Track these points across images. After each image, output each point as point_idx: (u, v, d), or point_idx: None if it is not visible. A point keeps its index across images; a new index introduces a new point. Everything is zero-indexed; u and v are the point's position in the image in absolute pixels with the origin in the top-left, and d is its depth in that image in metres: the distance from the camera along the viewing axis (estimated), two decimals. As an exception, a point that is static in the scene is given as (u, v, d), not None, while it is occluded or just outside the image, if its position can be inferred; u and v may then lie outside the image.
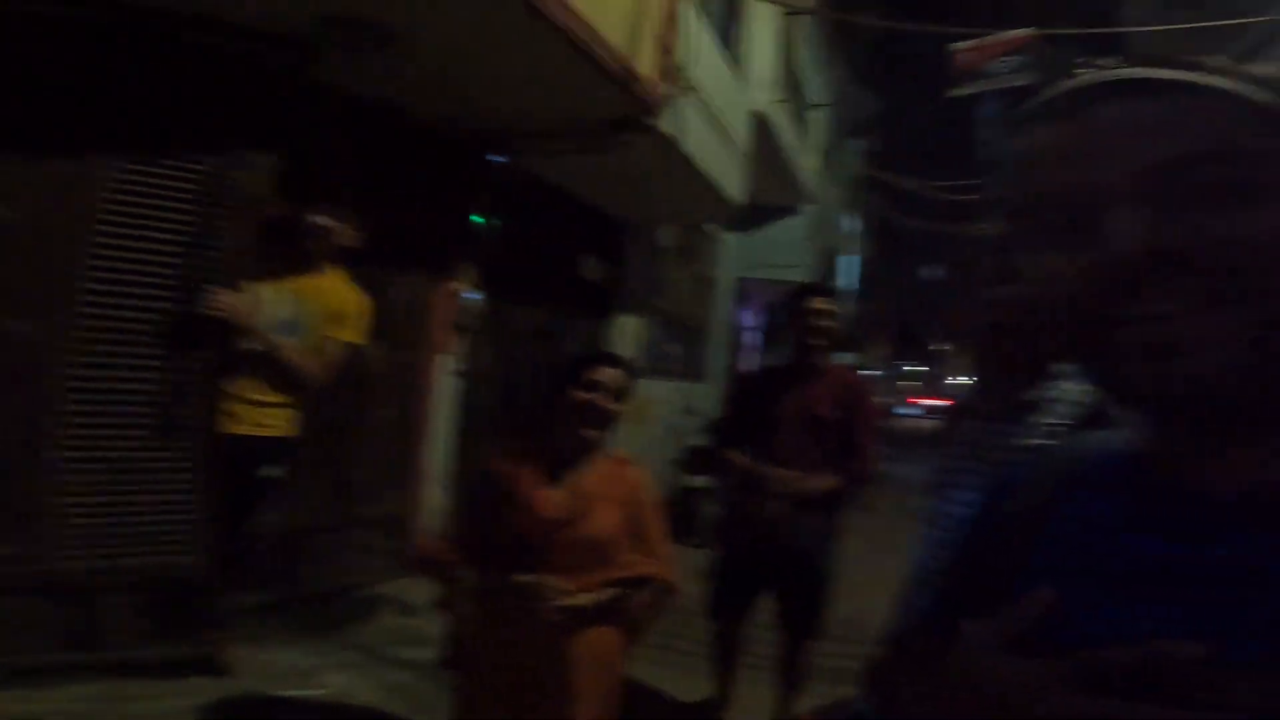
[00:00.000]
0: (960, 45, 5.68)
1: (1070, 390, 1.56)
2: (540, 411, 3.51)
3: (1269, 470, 0.44)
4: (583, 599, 1.55)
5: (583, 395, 1.68)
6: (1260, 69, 0.45)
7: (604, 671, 1.65)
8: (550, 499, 1.64)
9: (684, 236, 7.16)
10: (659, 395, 6.26)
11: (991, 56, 5.53)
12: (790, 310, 2.74)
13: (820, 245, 11.76)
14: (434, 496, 4.12)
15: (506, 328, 4.80)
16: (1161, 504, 0.48)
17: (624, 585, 1.64)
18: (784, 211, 9.69)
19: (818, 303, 2.64)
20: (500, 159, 4.12)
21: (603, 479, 1.70)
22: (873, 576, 5.20)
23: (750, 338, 11.88)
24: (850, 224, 15.59)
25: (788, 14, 6.40)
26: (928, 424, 41.57)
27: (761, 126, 6.69)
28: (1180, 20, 6.47)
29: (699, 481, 5.87)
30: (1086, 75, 0.47)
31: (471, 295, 4.22)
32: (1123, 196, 0.42)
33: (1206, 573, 0.43)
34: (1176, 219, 0.41)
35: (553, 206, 4.97)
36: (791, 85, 8.29)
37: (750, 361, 11.14)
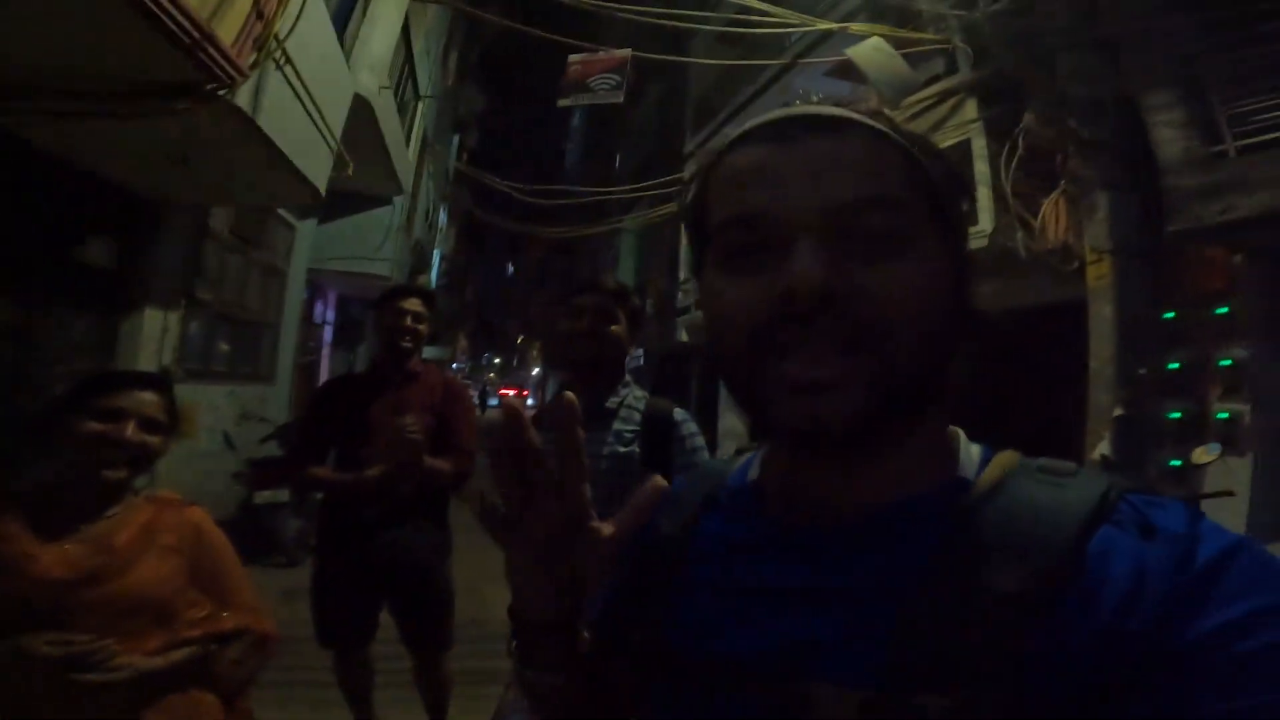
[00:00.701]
0: (576, 57, 5.98)
1: (639, 397, 1.68)
2: (25, 443, 3.04)
3: (872, 499, 0.48)
4: (142, 663, 1.34)
5: (96, 427, 1.39)
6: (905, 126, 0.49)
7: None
8: (61, 556, 1.37)
9: (246, 221, 6.32)
10: (208, 401, 5.68)
11: (595, 72, 5.94)
12: (381, 311, 2.54)
13: (410, 238, 11.30)
14: None
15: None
16: (781, 529, 0.52)
17: (205, 642, 1.46)
18: (374, 201, 8.99)
19: (410, 304, 2.50)
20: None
21: (142, 527, 1.46)
22: (489, 574, 5.27)
23: (326, 334, 10.77)
24: (441, 217, 15.41)
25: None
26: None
27: (363, 111, 6.28)
28: (730, 55, 8.06)
29: (270, 496, 5.48)
30: (779, 110, 0.50)
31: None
32: (804, 230, 0.44)
33: (818, 590, 0.47)
34: (841, 261, 0.44)
35: (45, 180, 3.93)
36: (404, 73, 7.91)
37: (323, 359, 10.22)
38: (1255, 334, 4.78)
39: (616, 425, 1.68)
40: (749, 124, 0.51)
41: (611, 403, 1.70)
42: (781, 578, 0.50)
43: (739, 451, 0.67)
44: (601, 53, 5.85)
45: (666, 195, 10.22)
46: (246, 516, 5.31)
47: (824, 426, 0.44)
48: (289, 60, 3.68)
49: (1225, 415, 4.89)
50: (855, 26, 5.44)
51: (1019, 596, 0.40)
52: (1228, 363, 4.89)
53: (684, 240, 11.05)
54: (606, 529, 0.55)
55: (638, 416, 1.69)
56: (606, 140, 24.55)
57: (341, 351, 11.79)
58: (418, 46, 8.65)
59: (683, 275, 13.68)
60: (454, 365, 36.20)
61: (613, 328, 1.71)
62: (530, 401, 50.91)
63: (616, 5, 4.98)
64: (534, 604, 0.56)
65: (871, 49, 5.15)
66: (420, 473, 2.29)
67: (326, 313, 10.94)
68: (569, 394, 0.54)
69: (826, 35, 6.68)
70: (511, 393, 50.44)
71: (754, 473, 0.59)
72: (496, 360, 64.20)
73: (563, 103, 6.00)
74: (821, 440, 0.45)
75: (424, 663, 2.59)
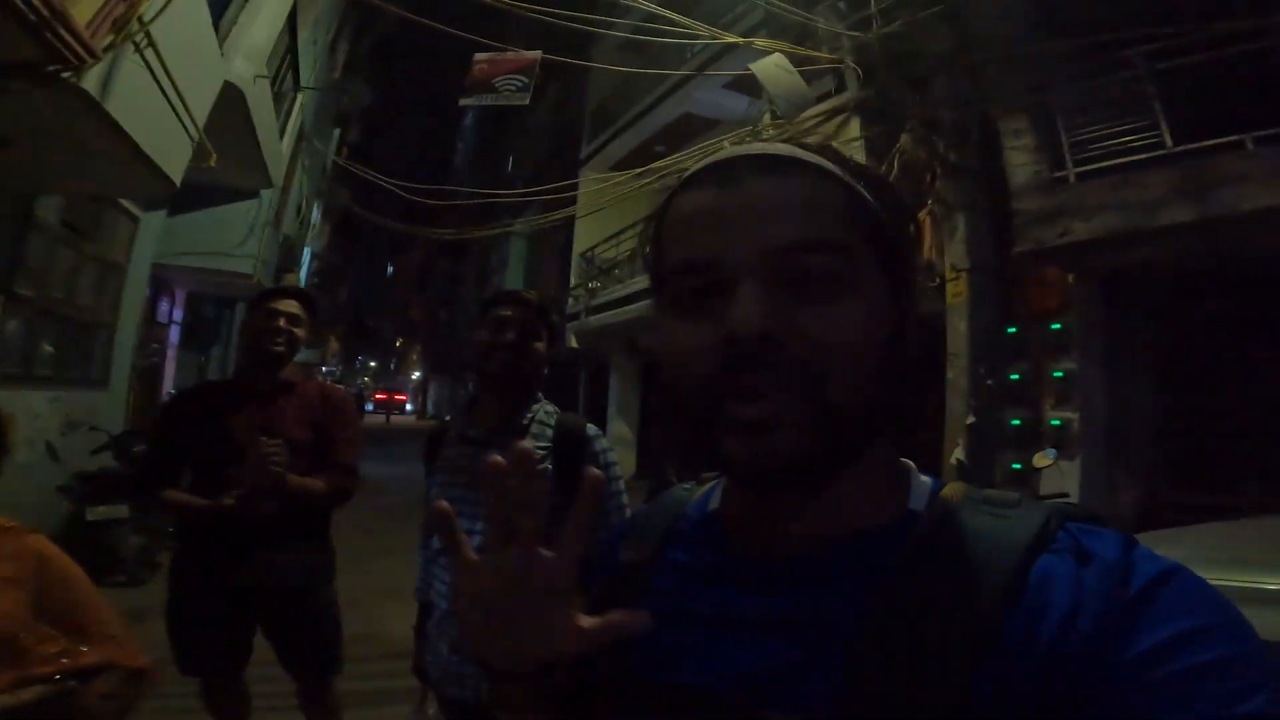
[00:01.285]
0: (482, 56, 5.78)
1: (550, 413, 1.67)
2: None
3: (826, 531, 0.49)
4: None
5: None
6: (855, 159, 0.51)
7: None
8: None
9: (81, 211, 5.70)
10: (28, 408, 5.19)
11: (501, 72, 5.79)
12: (251, 313, 2.31)
13: (279, 234, 10.53)
14: None
15: None
16: (735, 560, 0.53)
17: (62, 678, 1.33)
18: (239, 194, 8.30)
19: (285, 305, 2.26)
20: None
21: None
22: (373, 588, 4.99)
23: (172, 334, 9.83)
24: (315, 214, 14.47)
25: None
26: (401, 419, 42.49)
27: (234, 100, 5.82)
28: (632, 64, 8.13)
29: (107, 511, 5.09)
30: (726, 150, 0.51)
31: None
32: (747, 274, 0.45)
33: (774, 621, 0.47)
34: (782, 304, 0.44)
35: None
36: (285, 62, 7.53)
37: (168, 361, 9.37)
38: (1083, 349, 5.40)
39: (526, 442, 1.58)
40: (697, 165, 0.52)
41: (525, 419, 1.64)
42: (739, 608, 0.50)
43: (700, 480, 0.66)
44: (509, 53, 5.69)
45: (560, 200, 10.14)
46: (78, 533, 4.87)
47: (764, 465, 0.45)
48: (152, 43, 3.36)
49: (1058, 422, 5.50)
50: (760, 42, 5.67)
51: (966, 627, 0.41)
52: (1060, 375, 5.50)
53: (575, 246, 10.99)
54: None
55: (549, 433, 1.64)
56: (499, 142, 24.13)
57: (190, 354, 10.80)
58: (303, 35, 8.20)
59: (573, 281, 13.65)
60: (324, 369, 34.36)
61: (534, 343, 1.63)
62: (409, 407, 49.07)
63: (524, 5, 4.87)
64: (491, 654, 0.51)
65: (773, 64, 5.36)
66: (285, 497, 2.10)
67: (174, 312, 9.96)
68: (526, 446, 0.48)
69: (728, 49, 6.90)
70: (388, 397, 48.28)
71: (715, 502, 0.60)
72: (372, 364, 61.42)
73: (465, 102, 5.78)
74: (763, 478, 0.46)
75: (309, 687, 2.41)
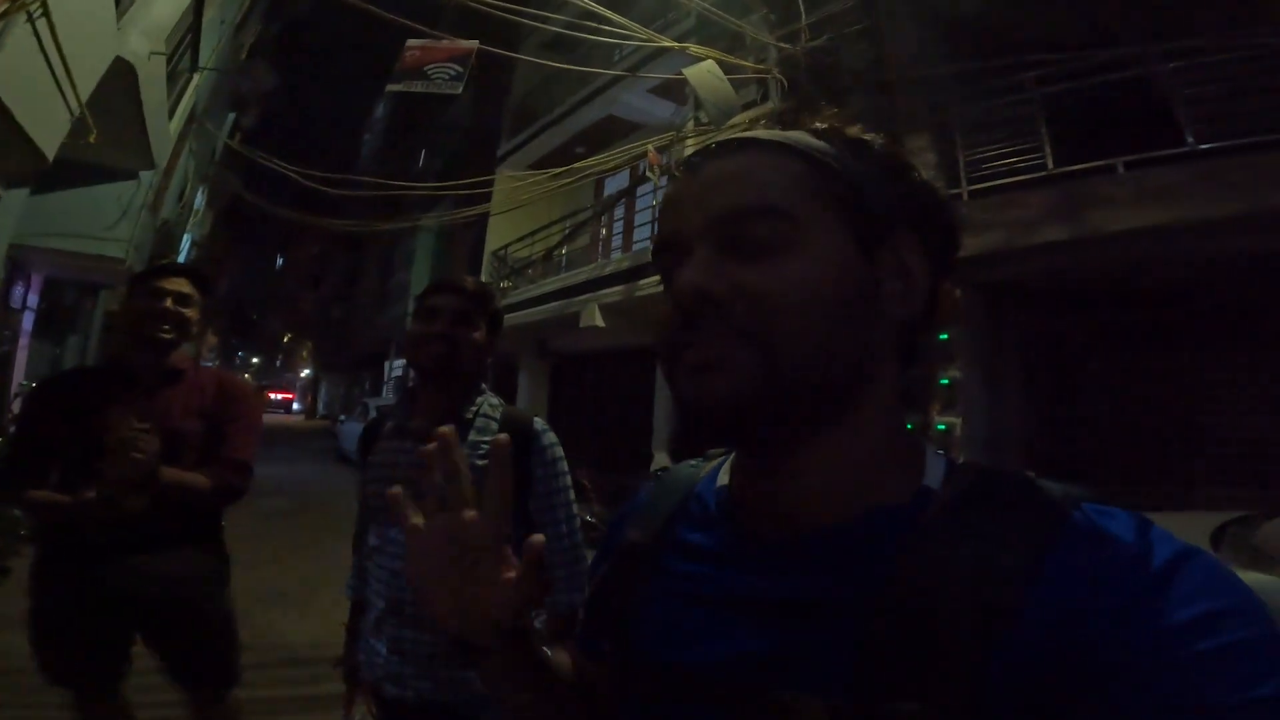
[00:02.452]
0: (415, 42, 5.53)
1: (495, 406, 1.63)
2: None
3: (836, 508, 0.50)
4: None
5: None
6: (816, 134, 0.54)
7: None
8: None
9: None
10: None
11: (435, 60, 5.59)
12: (131, 293, 2.09)
13: (157, 218, 9.67)
14: None
15: None
16: (746, 539, 0.53)
17: None
18: (116, 174, 7.58)
19: (173, 283, 2.04)
20: None
21: None
22: (259, 596, 4.66)
23: (25, 321, 8.86)
24: (198, 199, 13.38)
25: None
26: (289, 419, 39.72)
27: (124, 76, 5.36)
28: (558, 60, 8.04)
29: None
30: (715, 137, 0.59)
31: None
32: (696, 243, 0.50)
33: (787, 601, 0.48)
34: (723, 265, 0.48)
35: None
36: (186, 41, 7.04)
37: (20, 350, 8.61)
38: (966, 358, 5.83)
39: (473, 436, 1.55)
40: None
41: (469, 412, 1.58)
42: (750, 588, 0.50)
43: (707, 456, 0.67)
44: (445, 41, 5.50)
45: (474, 196, 9.90)
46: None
47: (709, 404, 0.47)
48: (46, 12, 3.09)
49: (943, 427, 5.94)
50: (694, 48, 5.77)
51: (983, 606, 0.41)
52: (945, 382, 5.94)
53: (488, 244, 10.69)
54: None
55: (494, 426, 1.59)
56: (411, 136, 23.19)
57: (45, 344, 9.77)
58: (210, 14, 7.69)
59: (484, 279, 13.33)
60: (200, 364, 31.72)
61: (471, 332, 1.56)
62: (296, 406, 46.12)
63: None
64: (450, 622, 0.56)
65: (706, 71, 5.47)
66: (157, 491, 1.89)
67: (28, 297, 8.95)
68: (503, 437, 0.56)
69: (658, 53, 6.96)
70: (275, 396, 45.30)
71: (723, 478, 0.60)
72: (254, 360, 57.31)
73: (393, 88, 5.53)
74: (709, 420, 0.48)
75: (202, 702, 2.23)
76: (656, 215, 0.58)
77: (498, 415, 1.62)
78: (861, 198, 0.50)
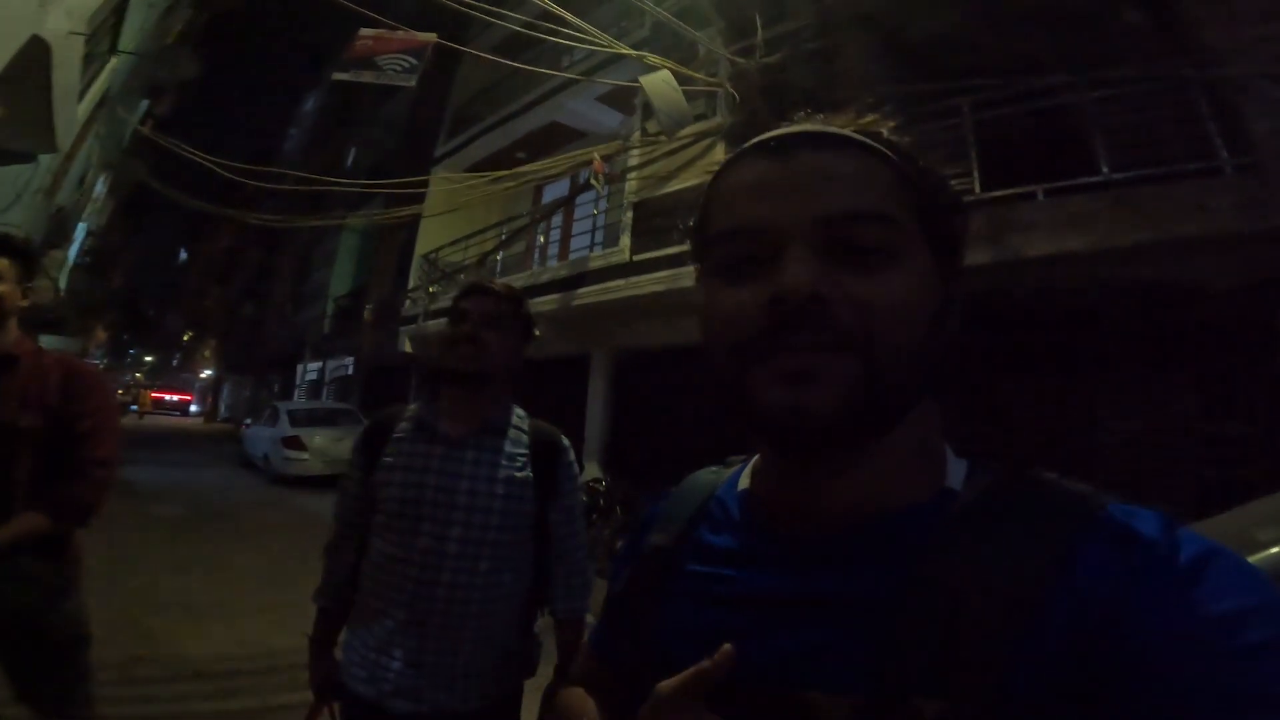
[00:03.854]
0: (369, 31, 5.30)
1: (522, 417, 1.61)
2: None
3: (863, 507, 0.50)
4: None
5: None
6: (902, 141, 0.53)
7: None
8: None
9: None
10: None
11: (388, 50, 5.39)
12: None
13: (52, 204, 8.89)
14: None
15: None
16: (769, 540, 0.54)
17: None
18: (10, 155, 6.95)
19: None
20: None
21: None
22: (152, 604, 4.27)
23: None
24: (99, 186, 12.41)
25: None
26: (187, 422, 37.15)
27: (38, 54, 5.02)
28: (518, 59, 7.92)
29: None
30: (780, 129, 0.53)
31: None
32: (796, 240, 0.47)
33: (811, 600, 0.48)
34: (830, 269, 0.46)
35: None
36: (109, 22, 6.66)
37: None
38: None
39: (507, 447, 1.53)
40: (751, 141, 0.54)
41: (502, 421, 1.56)
42: (772, 587, 0.51)
43: (727, 462, 0.67)
44: (400, 31, 5.31)
45: (407, 196, 9.60)
46: None
47: (805, 417, 0.45)
48: None
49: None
50: (651, 57, 5.80)
51: (1007, 604, 0.42)
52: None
53: (418, 247, 10.38)
54: None
55: (525, 439, 1.57)
56: (341, 133, 22.30)
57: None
58: None
59: (412, 283, 12.94)
60: (90, 361, 29.54)
61: (500, 336, 1.53)
62: (194, 408, 43.00)
63: None
64: None
65: (661, 80, 5.52)
66: None
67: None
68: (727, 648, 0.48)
69: (610, 60, 6.95)
70: (171, 397, 42.15)
71: (744, 482, 0.60)
72: (148, 358, 53.25)
73: (340, 76, 5.29)
74: (802, 433, 0.46)
75: None
76: (725, 192, 0.53)
77: (525, 427, 1.60)
78: (931, 213, 0.51)
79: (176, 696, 3.19)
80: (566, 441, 1.64)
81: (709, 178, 0.56)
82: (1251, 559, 2.58)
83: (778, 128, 0.53)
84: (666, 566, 0.59)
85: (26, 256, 1.89)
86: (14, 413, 1.75)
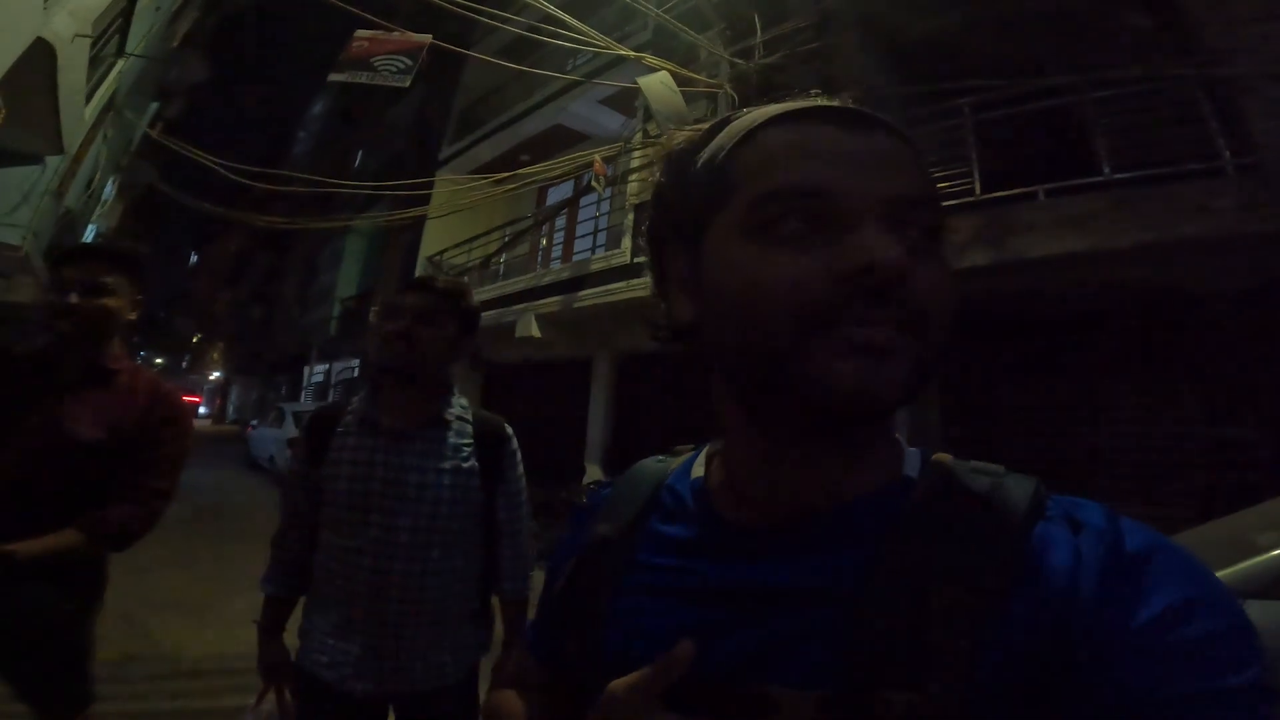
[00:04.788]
0: (364, 33, 5.34)
1: (465, 407, 1.65)
2: None
3: (831, 495, 0.49)
4: None
5: None
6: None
7: None
8: None
9: None
10: None
11: (383, 51, 5.42)
12: (49, 282, 1.83)
13: (60, 206, 8.99)
14: None
15: None
16: (727, 531, 0.52)
17: None
18: (18, 157, 7.04)
19: (81, 270, 1.75)
20: None
21: None
22: (151, 602, 4.30)
23: None
24: (108, 189, 12.54)
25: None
26: (195, 423, 37.66)
27: (43, 57, 5.09)
28: (522, 62, 7.97)
29: None
30: (823, 100, 0.51)
31: None
32: (871, 214, 0.45)
33: (771, 592, 0.47)
34: (906, 248, 0.45)
35: None
36: (115, 25, 6.78)
37: None
38: None
39: (451, 438, 1.57)
40: (795, 105, 0.51)
41: (448, 413, 1.59)
42: (732, 579, 0.49)
43: (674, 451, 0.65)
44: (396, 33, 5.34)
45: (412, 198, 9.66)
46: None
47: (877, 391, 0.43)
48: None
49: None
50: (649, 59, 5.84)
51: (973, 592, 0.42)
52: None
53: (423, 249, 10.37)
54: None
55: (469, 429, 1.61)
56: (348, 136, 22.49)
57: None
58: (144, 1, 7.20)
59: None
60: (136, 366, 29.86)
61: (435, 331, 1.55)
62: (203, 410, 43.44)
63: None
64: None
65: (659, 81, 5.53)
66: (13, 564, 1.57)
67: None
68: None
69: (612, 63, 6.96)
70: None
71: (698, 471, 0.58)
72: (159, 360, 53.91)
73: (336, 77, 5.32)
74: (868, 408, 0.44)
75: None
76: (784, 147, 0.49)
77: (469, 417, 1.64)
78: (944, 214, 0.51)
79: (170, 694, 3.22)
80: (510, 430, 1.68)
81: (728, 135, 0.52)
82: (1251, 563, 2.57)
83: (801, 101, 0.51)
84: (615, 559, 0.57)
85: (135, 270, 1.86)
86: (85, 427, 1.71)
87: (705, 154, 0.52)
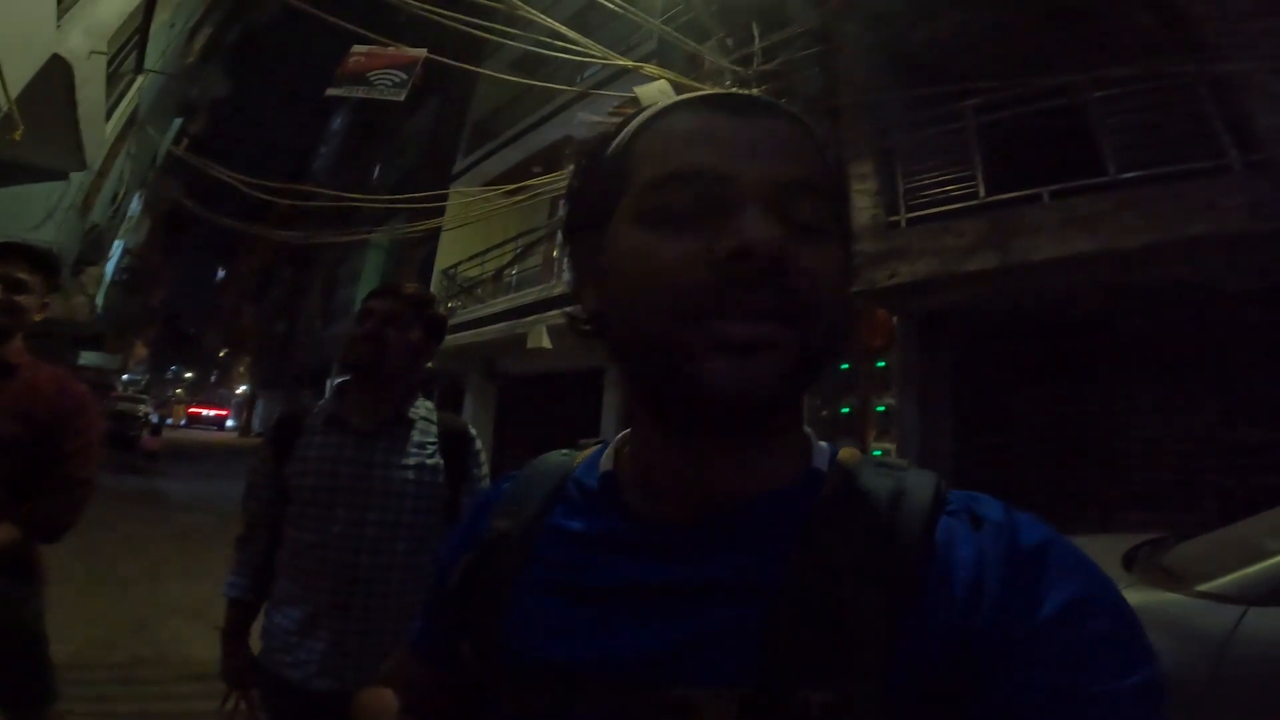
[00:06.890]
0: (361, 48, 5.49)
1: (430, 409, 1.69)
2: None
3: (740, 489, 0.48)
4: None
5: None
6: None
7: None
8: None
9: None
10: None
11: (379, 66, 5.55)
12: None
13: (86, 221, 9.28)
14: None
15: None
16: (636, 525, 0.50)
17: None
18: (43, 173, 7.28)
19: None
20: None
21: None
22: (162, 608, 4.37)
23: None
24: (133, 205, 12.89)
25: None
26: (223, 436, 38.24)
27: (59, 74, 5.25)
28: (533, 76, 8.07)
29: None
30: (721, 90, 0.52)
31: None
32: (755, 199, 0.44)
33: (683, 589, 0.46)
34: (790, 234, 0.44)
35: None
36: (132, 42, 6.98)
37: None
38: (900, 385, 5.88)
39: (416, 437, 1.62)
40: (691, 95, 0.51)
41: (412, 413, 1.65)
42: (642, 575, 0.48)
43: (579, 445, 0.63)
44: (391, 48, 5.47)
45: (427, 211, 9.80)
46: None
47: (751, 387, 0.42)
48: None
49: (879, 453, 6.02)
50: (649, 68, 5.91)
51: (885, 585, 0.41)
52: (882, 409, 6.06)
53: (438, 262, 10.52)
54: None
55: (434, 430, 1.66)
56: (366, 151, 22.93)
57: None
58: (161, 17, 7.62)
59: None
60: (125, 376, 30.55)
61: (401, 334, 1.61)
62: (230, 423, 44.13)
63: (417, 4, 4.72)
64: None
65: (657, 90, 5.58)
66: None
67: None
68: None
69: (619, 74, 7.03)
70: (209, 412, 43.46)
71: (606, 464, 0.56)
72: (188, 374, 54.93)
73: (333, 92, 5.44)
74: (743, 406, 0.43)
75: (17, 717, 1.99)
76: (668, 135, 0.49)
77: (434, 419, 1.69)
78: (843, 200, 0.51)
79: (176, 696, 3.28)
80: (474, 432, 1.74)
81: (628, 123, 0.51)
82: (1261, 566, 2.50)
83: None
84: (515, 555, 0.54)
85: (52, 271, 1.90)
86: (4, 423, 1.74)
87: (611, 146, 0.52)
